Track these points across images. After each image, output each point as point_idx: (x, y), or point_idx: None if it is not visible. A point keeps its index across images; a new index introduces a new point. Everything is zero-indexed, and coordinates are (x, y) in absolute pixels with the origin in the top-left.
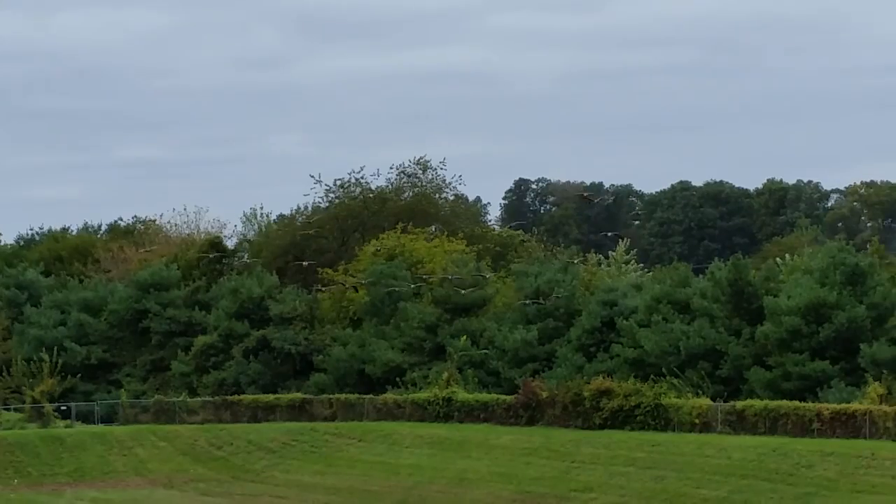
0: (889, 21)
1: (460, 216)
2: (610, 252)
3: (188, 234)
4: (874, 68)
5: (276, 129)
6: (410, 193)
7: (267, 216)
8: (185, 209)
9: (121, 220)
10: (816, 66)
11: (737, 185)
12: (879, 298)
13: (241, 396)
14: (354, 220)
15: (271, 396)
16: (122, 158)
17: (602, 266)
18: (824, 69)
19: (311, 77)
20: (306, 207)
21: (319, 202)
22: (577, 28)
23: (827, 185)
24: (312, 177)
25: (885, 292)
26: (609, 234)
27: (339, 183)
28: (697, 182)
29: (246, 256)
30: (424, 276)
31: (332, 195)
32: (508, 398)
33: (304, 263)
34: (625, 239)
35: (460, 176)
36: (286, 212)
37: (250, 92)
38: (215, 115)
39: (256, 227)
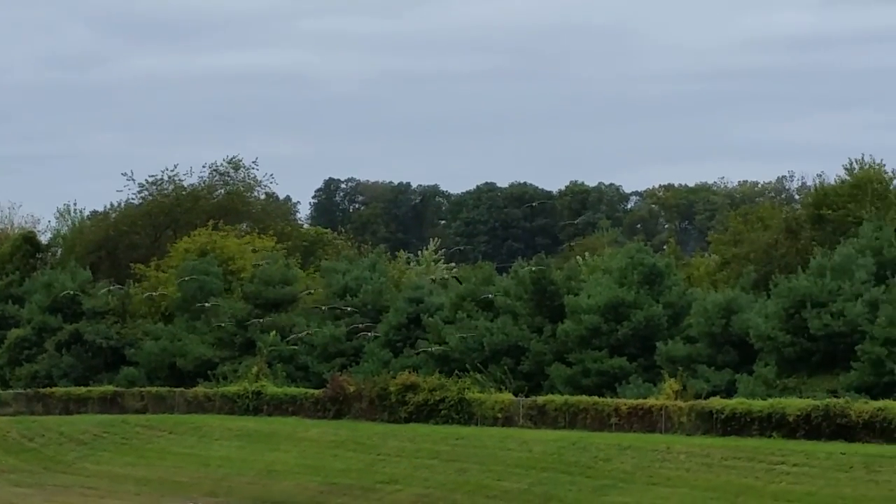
0: (678, 30)
1: (271, 214)
2: (419, 251)
3: (1, 230)
4: (668, 75)
5: (89, 127)
6: (222, 192)
7: (80, 212)
8: None
9: None
10: (615, 73)
11: (540, 187)
12: (675, 298)
13: (54, 389)
14: (167, 217)
15: (83, 389)
16: None
17: (411, 265)
18: (622, 76)
19: (124, 76)
20: (120, 204)
21: (132, 199)
22: (384, 33)
23: (627, 188)
24: (125, 174)
25: (681, 292)
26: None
27: (151, 180)
28: (502, 183)
29: (59, 252)
30: (235, 272)
31: (145, 192)
32: (317, 392)
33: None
34: (435, 238)
35: (272, 175)
36: (100, 208)
37: (63, 89)
38: (27, 113)
39: (70, 223)
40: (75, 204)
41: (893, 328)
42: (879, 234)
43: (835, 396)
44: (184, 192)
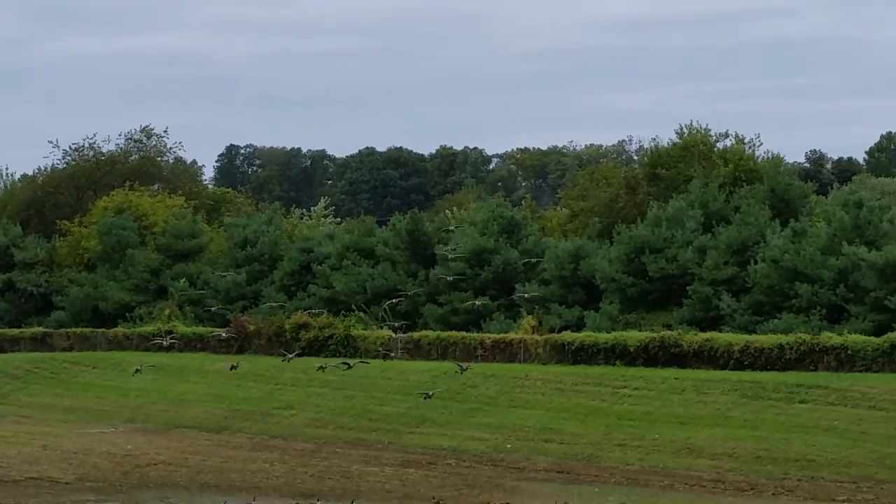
0: (530, 14)
1: (180, 176)
2: (310, 208)
3: None
4: (523, 53)
5: (17, 101)
6: (137, 157)
7: (11, 175)
8: None
9: None
10: (477, 52)
11: (414, 151)
12: (531, 245)
13: None
14: (88, 180)
15: (16, 330)
16: None
17: (303, 219)
18: (482, 54)
19: (48, 56)
20: (46, 168)
21: (58, 164)
22: (274, 18)
23: (489, 151)
24: (51, 142)
25: (536, 241)
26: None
27: (74, 147)
28: (381, 148)
29: None
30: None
31: (68, 158)
32: (221, 331)
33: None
34: (324, 197)
35: (180, 142)
36: (29, 172)
37: None
38: None
39: (2, 184)
40: (7, 168)
41: (718, 270)
42: (706, 190)
43: (669, 329)
44: (102, 158)
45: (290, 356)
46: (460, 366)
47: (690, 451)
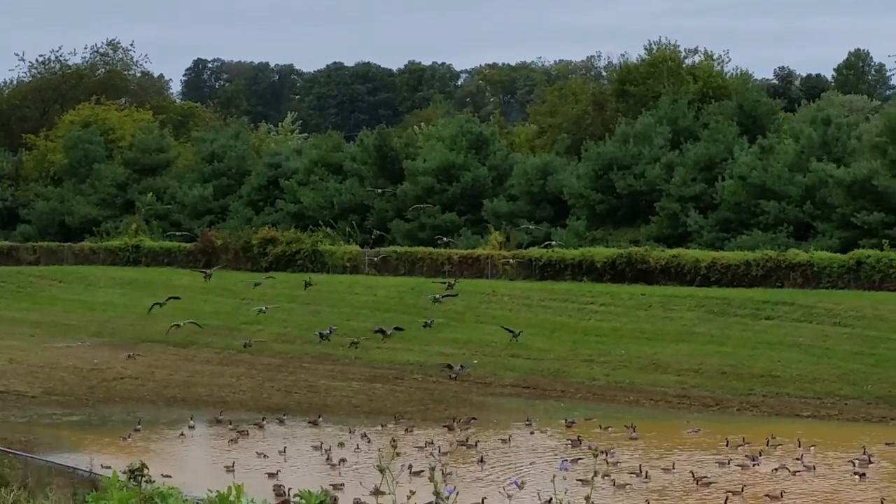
0: None
1: (147, 90)
2: (278, 122)
3: None
4: None
5: None
6: (103, 70)
7: None
8: None
9: None
10: None
11: (382, 66)
12: (499, 161)
13: None
14: (54, 93)
15: None
16: None
17: (271, 134)
18: None
19: None
20: (11, 82)
21: (23, 77)
22: None
23: (458, 67)
24: (17, 55)
25: (504, 156)
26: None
27: (40, 60)
28: (349, 63)
29: None
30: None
31: (34, 71)
32: (188, 245)
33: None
34: (291, 112)
35: (146, 55)
36: None
37: None
38: None
39: None
40: None
41: (686, 187)
42: (674, 106)
43: (636, 246)
44: (69, 71)
45: (210, 272)
46: (512, 332)
47: (656, 367)
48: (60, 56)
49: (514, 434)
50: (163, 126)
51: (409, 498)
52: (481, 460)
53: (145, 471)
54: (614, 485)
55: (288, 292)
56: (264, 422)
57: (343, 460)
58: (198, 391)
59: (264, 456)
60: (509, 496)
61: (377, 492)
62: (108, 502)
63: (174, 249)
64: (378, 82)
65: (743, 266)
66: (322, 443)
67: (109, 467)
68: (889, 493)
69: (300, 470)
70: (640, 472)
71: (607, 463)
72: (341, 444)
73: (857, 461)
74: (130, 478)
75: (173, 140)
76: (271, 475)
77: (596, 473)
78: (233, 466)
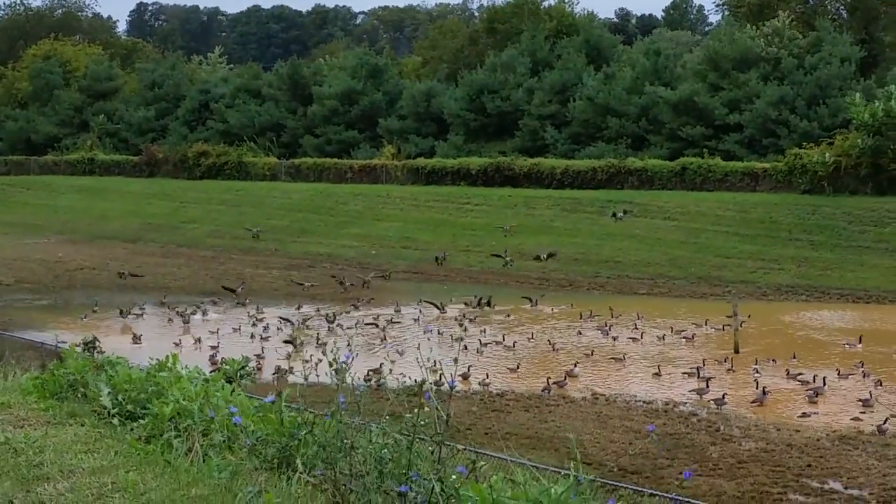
0: None
1: (97, 29)
2: (208, 55)
3: None
4: None
5: None
6: (60, 12)
7: None
8: None
9: None
10: None
11: (293, 8)
12: (391, 87)
13: None
14: (19, 31)
15: None
16: None
17: (202, 66)
18: None
19: None
20: None
21: None
22: None
23: (356, 9)
24: None
25: (395, 83)
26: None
27: (7, 4)
28: (266, 6)
29: None
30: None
31: (1, 12)
32: (135, 158)
33: None
34: (219, 46)
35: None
36: None
37: None
38: None
39: None
40: None
41: (544, 107)
42: (534, 41)
43: (504, 156)
44: (31, 13)
45: None
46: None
47: (520, 255)
48: (24, 1)
49: (406, 311)
50: (111, 59)
51: (314, 360)
52: (384, 332)
53: (97, 343)
54: (479, 348)
55: (218, 196)
56: (202, 305)
57: (267, 337)
58: (145, 279)
59: (200, 337)
60: (397, 357)
61: (288, 356)
62: (66, 369)
63: (123, 162)
64: (290, 22)
65: (590, 172)
66: (249, 316)
67: (65, 342)
68: (708, 351)
69: (234, 346)
70: (503, 339)
71: (466, 331)
72: (262, 323)
73: (683, 330)
74: (85, 349)
75: (121, 70)
76: (213, 348)
77: (461, 339)
78: (180, 344)
